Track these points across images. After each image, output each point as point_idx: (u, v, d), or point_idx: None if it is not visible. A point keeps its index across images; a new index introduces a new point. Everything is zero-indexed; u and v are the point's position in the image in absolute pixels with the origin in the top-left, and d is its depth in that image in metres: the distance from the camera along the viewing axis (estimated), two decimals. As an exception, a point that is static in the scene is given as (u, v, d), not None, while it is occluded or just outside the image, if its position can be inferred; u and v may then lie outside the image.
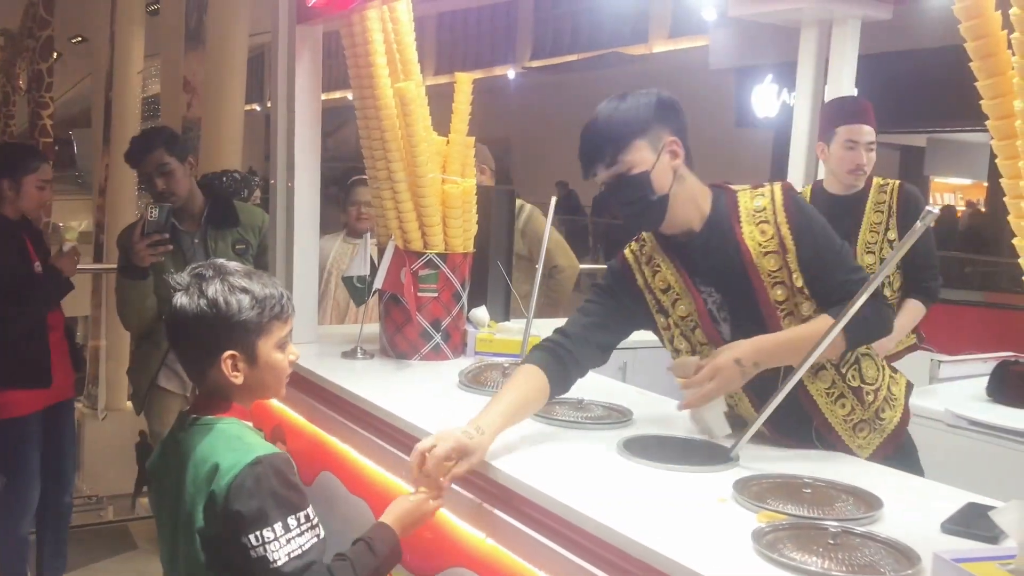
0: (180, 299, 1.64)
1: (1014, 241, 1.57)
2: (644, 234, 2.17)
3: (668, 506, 1.71)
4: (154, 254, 3.11)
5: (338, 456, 2.49)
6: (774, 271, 1.99)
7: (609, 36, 19.72)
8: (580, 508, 1.65)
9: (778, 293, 1.99)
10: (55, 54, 10.81)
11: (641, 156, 1.98)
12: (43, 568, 3.52)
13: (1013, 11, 1.35)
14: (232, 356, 1.65)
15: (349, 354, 2.84)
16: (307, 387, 2.70)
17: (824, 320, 1.93)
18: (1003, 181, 1.54)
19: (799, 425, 2.06)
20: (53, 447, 3.46)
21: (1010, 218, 1.56)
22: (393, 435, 2.24)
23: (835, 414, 2.06)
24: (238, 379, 1.66)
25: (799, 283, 1.99)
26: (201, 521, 1.59)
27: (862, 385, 2.09)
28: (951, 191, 17.15)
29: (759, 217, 2.02)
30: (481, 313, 2.96)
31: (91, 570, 3.94)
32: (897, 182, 3.09)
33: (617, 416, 2.23)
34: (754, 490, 1.74)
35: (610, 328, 2.17)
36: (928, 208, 1.62)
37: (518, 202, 3.73)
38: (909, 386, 2.22)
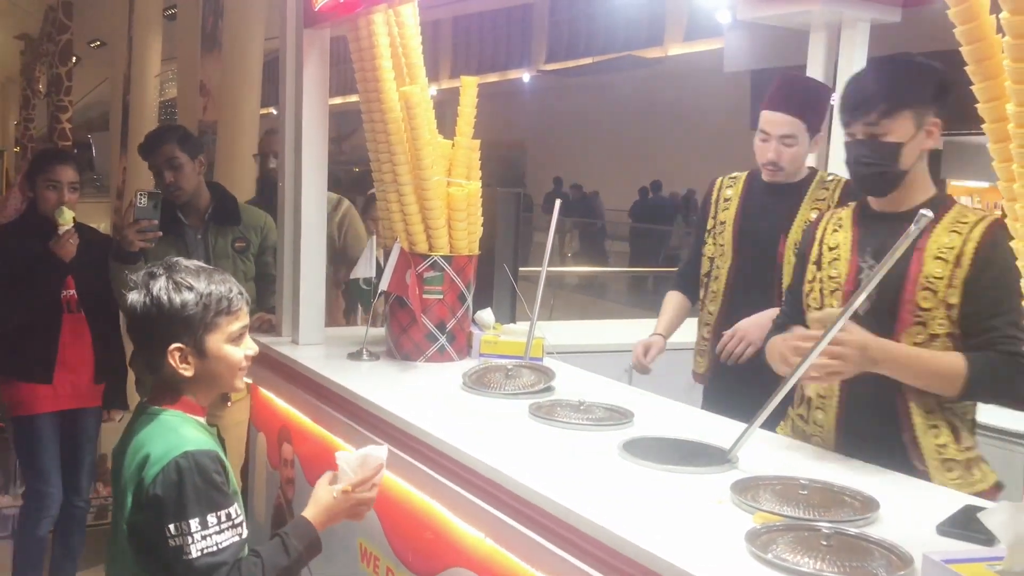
0: (132, 296, 1.72)
1: (1011, 243, 1.57)
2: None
3: (665, 507, 1.72)
4: (142, 240, 3.16)
5: (343, 457, 2.51)
6: (936, 277, 1.98)
7: (624, 39, 19.70)
8: (578, 509, 1.66)
9: (925, 297, 1.99)
10: (74, 58, 10.91)
11: (903, 127, 1.99)
12: (54, 569, 3.54)
13: (1003, 15, 1.35)
14: (179, 349, 1.71)
15: (355, 355, 2.86)
16: (313, 388, 2.72)
17: (956, 358, 1.93)
18: (999, 184, 1.53)
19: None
20: (68, 453, 3.47)
21: (1007, 221, 1.56)
22: (397, 436, 2.25)
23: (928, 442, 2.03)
24: (188, 371, 1.72)
25: (952, 300, 1.97)
26: (130, 506, 1.67)
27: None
28: (968, 194, 17.01)
29: (953, 227, 2.02)
30: (486, 315, 2.98)
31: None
32: (844, 179, 2.74)
33: (618, 418, 2.24)
34: (751, 492, 1.74)
35: None
36: (922, 212, 1.60)
37: (334, 196, 3.80)
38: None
